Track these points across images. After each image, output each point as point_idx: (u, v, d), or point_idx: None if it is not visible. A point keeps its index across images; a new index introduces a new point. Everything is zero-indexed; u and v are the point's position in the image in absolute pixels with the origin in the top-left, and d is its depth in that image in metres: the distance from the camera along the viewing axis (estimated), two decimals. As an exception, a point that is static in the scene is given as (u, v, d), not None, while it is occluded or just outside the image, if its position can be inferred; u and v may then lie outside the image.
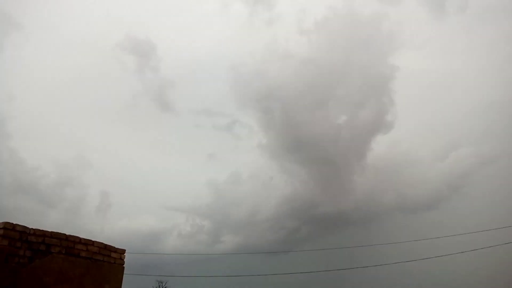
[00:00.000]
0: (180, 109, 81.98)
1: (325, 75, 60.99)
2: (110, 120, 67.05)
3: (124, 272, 7.90)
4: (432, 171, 62.13)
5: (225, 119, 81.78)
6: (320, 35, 64.08)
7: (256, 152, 76.11)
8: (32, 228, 6.36)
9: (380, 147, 66.80)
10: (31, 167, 56.99)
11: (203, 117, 77.92)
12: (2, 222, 5.98)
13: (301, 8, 78.24)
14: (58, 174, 58.71)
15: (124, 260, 7.84)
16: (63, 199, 57.59)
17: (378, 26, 63.28)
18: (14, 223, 6.11)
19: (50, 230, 6.62)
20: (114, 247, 7.68)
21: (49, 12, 64.59)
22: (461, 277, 40.06)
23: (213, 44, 72.87)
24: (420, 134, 66.65)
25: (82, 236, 7.11)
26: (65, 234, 6.81)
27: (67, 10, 65.59)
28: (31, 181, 53.94)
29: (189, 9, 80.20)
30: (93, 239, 7.30)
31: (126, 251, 7.97)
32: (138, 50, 64.83)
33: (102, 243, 7.42)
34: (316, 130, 59.56)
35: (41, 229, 6.46)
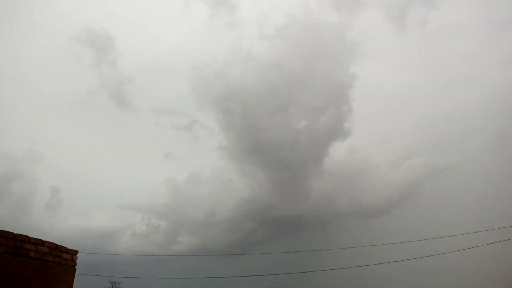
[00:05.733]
0: (138, 106, 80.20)
1: (287, 80, 61.97)
2: (64, 115, 64.43)
3: (77, 273, 7.56)
4: (385, 178, 64.71)
5: (185, 118, 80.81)
6: (282, 41, 65.11)
7: (216, 153, 75.94)
8: (-25, 226, 5.94)
9: (337, 153, 68.70)
10: (-26, 160, 53.52)
11: (162, 115, 76.56)
12: None
13: (263, 13, 79.28)
14: (5, 168, 55.46)
15: (76, 261, 7.50)
16: (10, 194, 54.48)
17: (342, 35, 65.22)
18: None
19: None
20: (66, 247, 7.33)
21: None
22: (410, 282, 41.86)
23: (175, 43, 71.83)
24: (376, 142, 69.24)
25: (29, 233, 6.72)
26: (12, 233, 6.40)
27: (21, -3, 62.33)
28: (-26, 174, 50.66)
29: (150, 5, 78.78)
30: (42, 238, 6.92)
31: (78, 252, 7.64)
32: (95, 43, 62.69)
33: (53, 243, 7.05)
34: (276, 134, 60.24)
35: (-14, 227, 6.04)
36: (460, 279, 41.81)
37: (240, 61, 65.46)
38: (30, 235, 6.69)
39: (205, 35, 77.81)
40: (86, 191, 63.44)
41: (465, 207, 52.86)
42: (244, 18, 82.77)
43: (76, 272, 7.63)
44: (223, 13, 78.76)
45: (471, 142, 61.65)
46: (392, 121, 69.99)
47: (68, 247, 7.46)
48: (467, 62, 69.32)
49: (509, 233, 25.88)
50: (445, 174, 60.92)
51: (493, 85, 62.09)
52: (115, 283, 38.96)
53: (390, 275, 38.17)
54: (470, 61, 68.79)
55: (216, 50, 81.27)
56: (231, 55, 68.95)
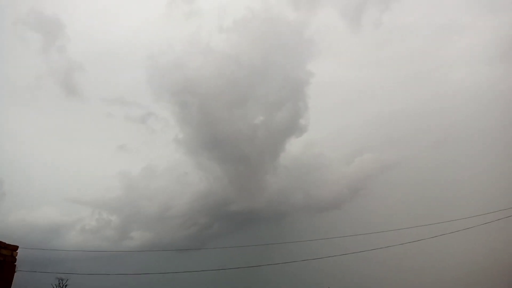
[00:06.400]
0: (89, 95, 76.94)
1: (245, 75, 61.92)
2: (9, 102, 60.53)
3: (18, 270, 7.04)
4: (338, 173, 66.65)
5: (139, 110, 78.42)
6: (240, 34, 64.95)
7: (172, 147, 74.56)
8: None
9: (293, 149, 69.80)
10: None
11: (115, 106, 73.88)
12: None
13: (221, 5, 78.48)
14: None
15: (16, 257, 6.96)
16: None
17: (300, 32, 66.09)
18: None
19: None
20: (5, 242, 6.79)
21: None
22: (360, 275, 43.40)
23: (130, 30, 69.45)
24: (330, 138, 70.99)
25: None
26: None
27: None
28: None
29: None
30: (-22, 233, 6.36)
31: (19, 247, 7.10)
32: (43, 27, 59.23)
33: (-11, 238, 6.50)
34: (233, 128, 60.10)
35: None
36: (408, 271, 43.97)
37: (198, 52, 64.54)
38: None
39: (162, 24, 75.87)
40: (31, 184, 60.11)
41: (413, 202, 55.59)
42: (202, 8, 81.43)
43: (19, 269, 7.11)
44: (181, 2, 77.08)
45: (420, 139, 64.82)
46: (346, 118, 72.16)
47: (12, 242, 6.93)
48: (418, 62, 72.75)
49: (456, 226, 27.44)
50: (395, 170, 63.73)
51: (442, 84, 65.63)
52: (62, 280, 37.19)
53: (342, 268, 39.40)
54: (421, 61, 72.23)
55: (173, 40, 79.45)
56: (189, 45, 67.80)
